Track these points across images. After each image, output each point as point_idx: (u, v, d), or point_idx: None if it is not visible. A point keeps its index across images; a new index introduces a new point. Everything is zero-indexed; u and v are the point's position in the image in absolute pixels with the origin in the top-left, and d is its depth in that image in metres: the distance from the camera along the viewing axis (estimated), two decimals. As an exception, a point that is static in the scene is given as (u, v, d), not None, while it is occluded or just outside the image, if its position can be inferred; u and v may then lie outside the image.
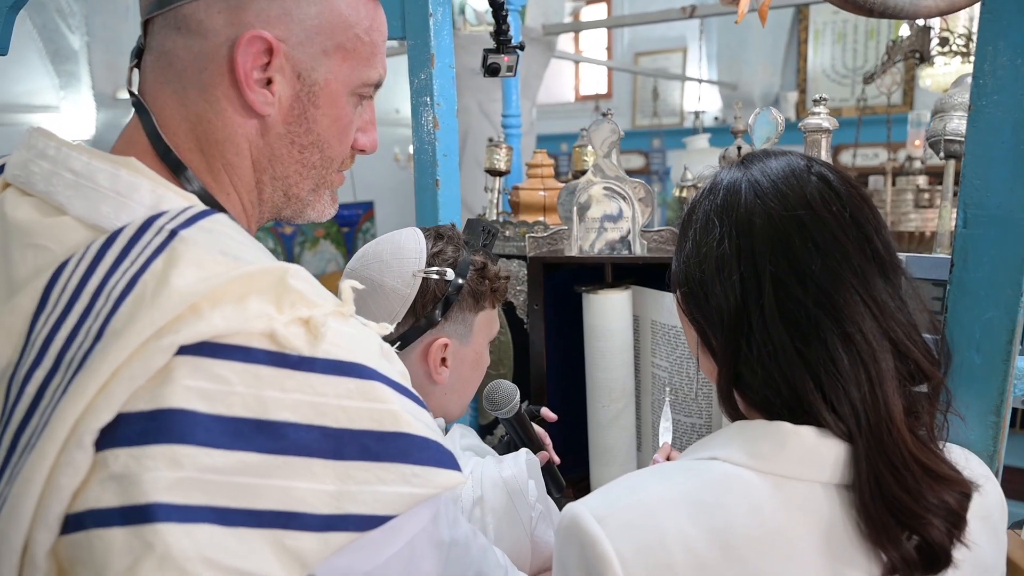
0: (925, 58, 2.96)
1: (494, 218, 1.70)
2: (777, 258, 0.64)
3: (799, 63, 7.80)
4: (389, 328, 0.64)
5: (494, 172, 1.74)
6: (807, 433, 0.63)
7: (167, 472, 0.48)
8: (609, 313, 1.41)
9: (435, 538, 0.62)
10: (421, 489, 0.58)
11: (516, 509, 0.89)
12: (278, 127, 0.65)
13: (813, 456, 0.63)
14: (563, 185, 1.69)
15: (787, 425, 0.63)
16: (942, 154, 1.39)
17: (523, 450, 0.96)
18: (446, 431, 0.99)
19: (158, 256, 0.54)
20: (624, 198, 1.39)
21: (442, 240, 0.96)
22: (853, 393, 0.62)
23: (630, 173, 1.41)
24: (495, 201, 1.76)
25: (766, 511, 0.61)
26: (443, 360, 0.96)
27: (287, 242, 7.03)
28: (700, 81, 7.40)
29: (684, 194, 1.58)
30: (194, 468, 0.49)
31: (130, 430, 0.49)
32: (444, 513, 0.64)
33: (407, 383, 0.62)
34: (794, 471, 0.63)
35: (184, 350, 0.51)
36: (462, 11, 3.64)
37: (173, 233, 0.55)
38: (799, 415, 0.64)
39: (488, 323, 1.01)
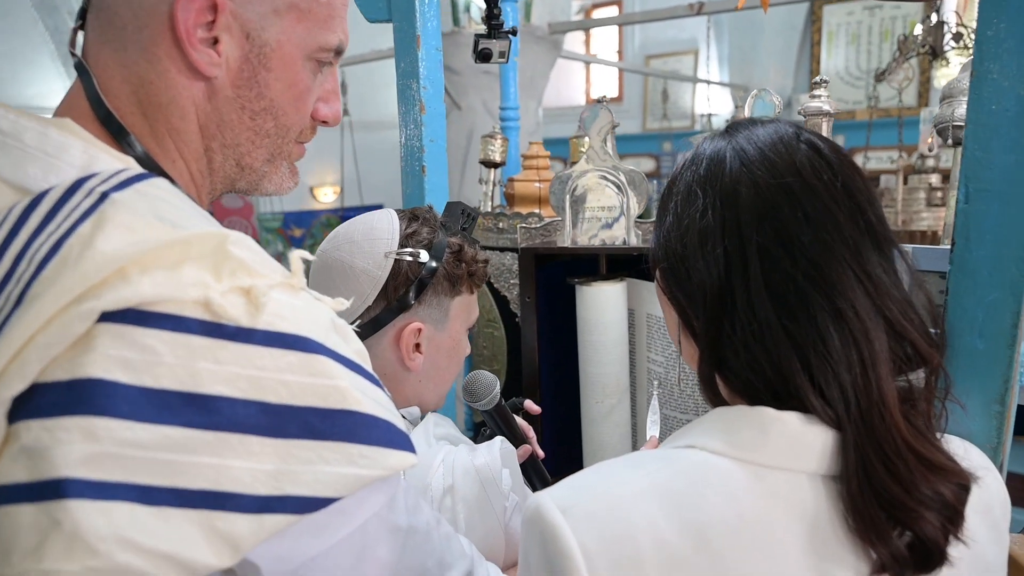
0: (938, 53, 2.89)
1: (488, 211, 1.66)
2: (764, 229, 0.59)
3: (812, 65, 7.71)
4: (344, 303, 0.60)
5: (489, 164, 1.70)
6: (791, 419, 0.58)
7: (82, 445, 0.45)
8: (603, 306, 1.36)
9: (391, 523, 0.58)
10: (368, 470, 0.54)
11: (489, 499, 0.85)
12: (227, 90, 0.61)
13: (797, 444, 0.58)
14: (559, 177, 1.66)
15: (769, 410, 0.59)
16: (950, 141, 1.33)
17: (498, 438, 0.92)
18: (421, 419, 0.95)
19: (86, 219, 0.50)
20: (618, 187, 1.34)
21: (417, 221, 0.92)
22: (843, 376, 0.57)
23: (625, 161, 1.37)
24: (490, 193, 1.73)
25: (745, 503, 0.56)
26: (417, 346, 0.92)
27: (296, 244, 7.04)
28: (710, 83, 7.34)
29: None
30: (113, 442, 0.46)
31: (44, 400, 0.46)
32: (402, 498, 0.60)
33: (363, 362, 0.59)
34: (777, 460, 0.58)
35: (108, 317, 0.47)
36: (467, 8, 3.62)
37: (104, 196, 0.51)
38: (784, 400, 0.59)
39: (466, 309, 0.97)
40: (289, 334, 0.52)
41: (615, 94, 9.16)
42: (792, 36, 7.68)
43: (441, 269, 0.90)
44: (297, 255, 0.57)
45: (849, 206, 0.60)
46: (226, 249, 0.52)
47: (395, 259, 0.87)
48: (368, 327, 0.89)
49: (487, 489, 0.85)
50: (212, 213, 0.63)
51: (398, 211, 0.94)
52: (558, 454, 1.43)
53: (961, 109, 1.30)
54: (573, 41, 7.59)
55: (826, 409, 0.58)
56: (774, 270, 0.59)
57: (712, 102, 7.32)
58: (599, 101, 1.35)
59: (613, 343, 1.38)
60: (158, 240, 0.50)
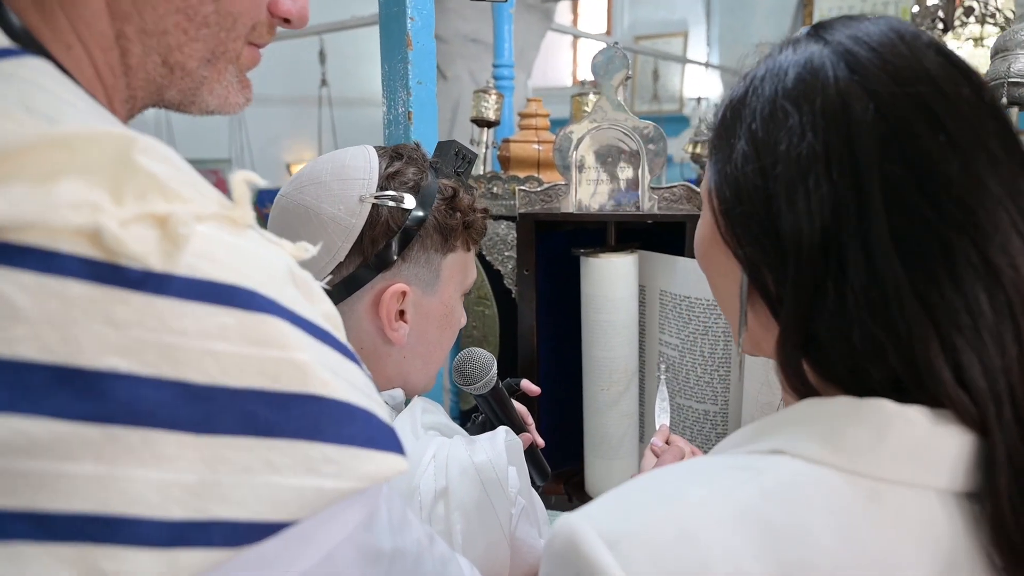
0: (949, 27, 2.75)
1: (481, 174, 1.49)
2: (890, 157, 0.43)
3: (802, 49, 7.57)
4: (310, 250, 0.44)
5: (482, 122, 1.53)
6: (918, 417, 0.43)
7: None
8: (611, 280, 1.20)
9: (369, 548, 0.42)
10: (336, 482, 0.38)
11: (492, 504, 0.69)
12: None
13: (925, 450, 0.43)
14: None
15: (889, 404, 0.43)
16: (1004, 99, 1.18)
17: (502, 428, 0.75)
18: (406, 404, 0.78)
19: None
20: (632, 144, 1.18)
21: (400, 159, 0.74)
22: (994, 360, 0.42)
23: (639, 117, 1.20)
24: (483, 156, 1.55)
25: (862, 535, 0.41)
26: (401, 313, 0.75)
27: (272, 222, 6.78)
28: (707, 65, 7.20)
29: (699, 149, 1.37)
30: None
31: None
32: (385, 512, 0.44)
33: (334, 329, 0.42)
34: (897, 472, 0.43)
35: None
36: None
37: None
38: (906, 391, 0.44)
39: (461, 269, 0.80)
40: (224, 284, 0.36)
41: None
42: (783, 19, 7.54)
43: (430, 218, 0.73)
44: (242, 177, 0.40)
45: (1000, 130, 0.45)
46: (132, 159, 0.35)
47: (373, 204, 0.70)
48: (339, 289, 0.72)
49: (490, 492, 0.68)
50: None
51: (378, 148, 0.76)
52: (557, 446, 1.28)
53: (1020, 63, 1.15)
54: (562, 17, 7.38)
55: (968, 404, 0.42)
56: (904, 213, 0.43)
57: (702, 85, 7.17)
58: (613, 45, 1.18)
59: (622, 323, 1.22)
60: (23, 137, 0.32)
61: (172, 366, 0.34)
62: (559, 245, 1.31)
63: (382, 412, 0.42)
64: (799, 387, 0.48)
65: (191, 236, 0.35)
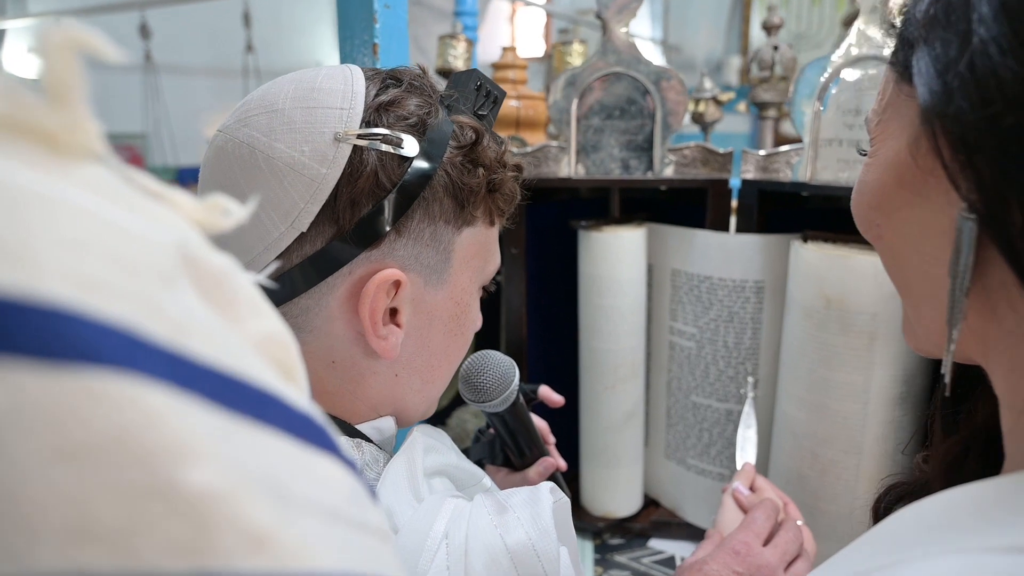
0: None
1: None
2: None
3: (743, 27, 7.58)
4: (235, 212, 0.23)
5: (449, 74, 1.30)
6: None
7: None
8: (616, 258, 1.01)
9: None
10: None
11: None
12: None
13: None
14: (542, 94, 1.28)
15: None
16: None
17: (545, 485, 0.50)
18: (398, 438, 0.55)
19: None
20: (645, 92, 0.98)
21: (398, 86, 0.51)
22: None
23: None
24: (450, 115, 1.33)
25: None
26: (392, 313, 0.52)
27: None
28: (667, 43, 7.11)
29: (701, 108, 1.20)
30: None
31: None
32: None
33: (283, 379, 0.22)
34: None
35: None
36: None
37: None
38: None
39: (481, 251, 0.55)
40: None
41: (542, 53, 8.74)
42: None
43: (440, 174, 0.49)
44: (65, 34, 0.18)
45: None
46: None
47: (354, 147, 0.47)
48: (297, 275, 0.48)
49: None
50: None
51: (366, 69, 0.53)
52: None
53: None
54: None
55: None
56: None
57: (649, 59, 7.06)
58: (619, -24, 0.98)
59: (628, 309, 1.03)
60: None
61: None
62: (551, 218, 1.11)
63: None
64: None
65: None
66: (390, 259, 0.49)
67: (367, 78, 0.50)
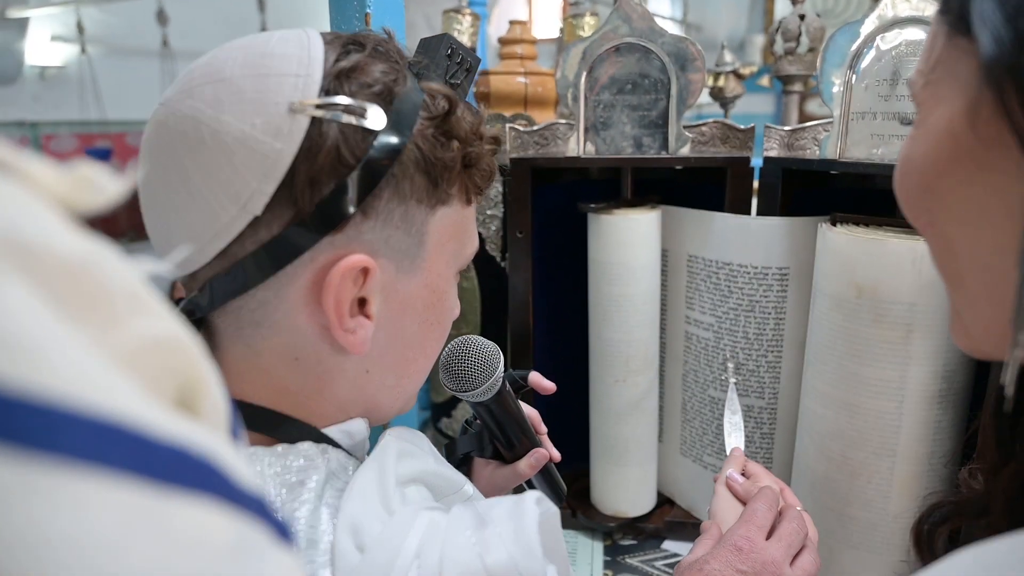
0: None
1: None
2: None
3: (767, 4, 7.39)
4: (101, 185, 0.17)
5: (454, 50, 1.23)
6: None
7: None
8: (628, 243, 0.94)
9: None
10: None
11: None
12: None
13: None
14: (552, 71, 1.21)
15: None
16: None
17: (531, 494, 0.45)
18: (371, 440, 0.50)
19: None
20: (661, 65, 0.91)
21: (361, 51, 0.45)
22: None
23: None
24: (455, 93, 1.26)
25: None
26: (360, 303, 0.46)
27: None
28: (688, 24, 6.97)
29: (721, 82, 1.13)
30: None
31: None
32: None
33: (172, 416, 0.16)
34: None
35: None
36: None
37: None
38: None
39: (457, 231, 0.50)
40: None
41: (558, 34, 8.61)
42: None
43: (411, 147, 0.44)
44: None
45: None
46: None
47: (313, 118, 0.41)
48: (252, 265, 0.43)
49: None
50: None
51: (325, 33, 0.47)
52: (558, 449, 1.02)
53: None
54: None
55: None
56: None
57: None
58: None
59: (642, 297, 0.96)
60: None
61: None
62: (558, 200, 1.04)
63: None
64: None
65: None
66: (356, 244, 0.43)
67: (326, 42, 0.44)
